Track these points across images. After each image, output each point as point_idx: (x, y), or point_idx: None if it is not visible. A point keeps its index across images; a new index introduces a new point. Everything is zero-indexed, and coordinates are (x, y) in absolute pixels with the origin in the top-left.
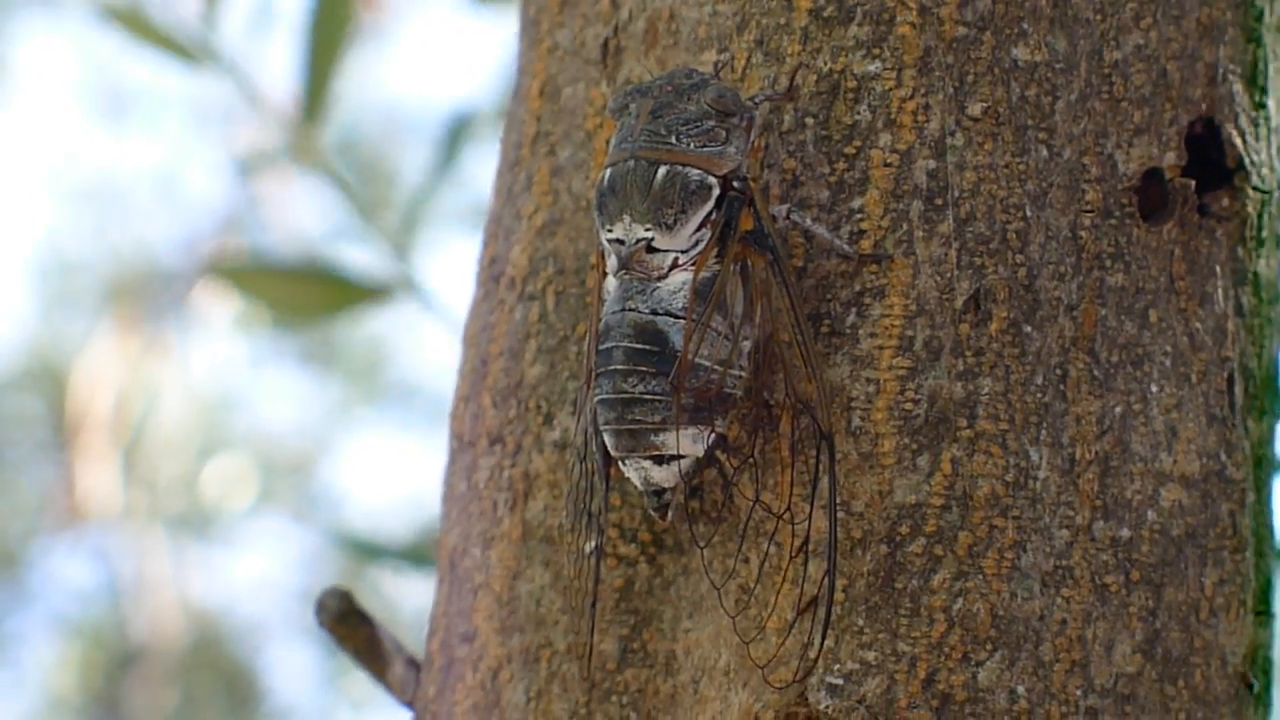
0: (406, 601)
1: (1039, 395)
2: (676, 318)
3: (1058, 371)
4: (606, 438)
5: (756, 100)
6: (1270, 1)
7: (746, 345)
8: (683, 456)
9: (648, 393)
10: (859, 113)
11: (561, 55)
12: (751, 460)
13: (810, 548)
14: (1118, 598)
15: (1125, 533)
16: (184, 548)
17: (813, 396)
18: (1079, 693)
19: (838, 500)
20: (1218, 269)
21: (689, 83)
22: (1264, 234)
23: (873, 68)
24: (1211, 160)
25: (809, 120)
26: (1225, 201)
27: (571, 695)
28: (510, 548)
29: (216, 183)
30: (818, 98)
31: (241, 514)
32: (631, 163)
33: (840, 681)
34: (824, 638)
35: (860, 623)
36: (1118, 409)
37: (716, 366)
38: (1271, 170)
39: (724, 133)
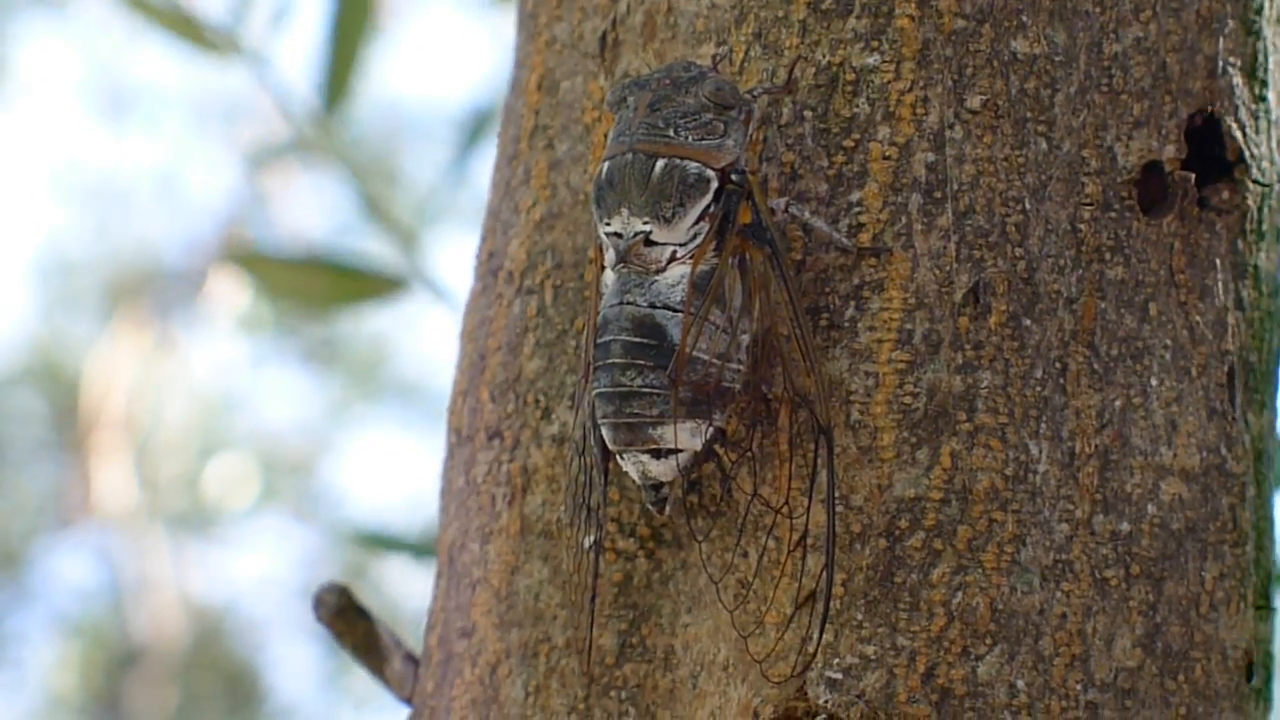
0: (408, 599)
1: (1038, 389)
2: (675, 311)
3: (1057, 365)
4: (605, 431)
5: (755, 93)
6: None
7: (745, 339)
8: (681, 450)
9: (646, 386)
10: (857, 105)
11: (559, 48)
12: (750, 454)
13: (809, 542)
14: (1118, 592)
15: (1125, 526)
16: (185, 546)
17: (811, 390)
18: (1079, 687)
19: (836, 494)
20: (1218, 262)
21: (687, 76)
22: (1264, 227)
23: (871, 60)
24: (1211, 153)
25: (807, 113)
26: (1225, 194)
27: (570, 690)
28: (508, 542)
29: (219, 181)
30: (816, 91)
31: (243, 513)
32: (629, 156)
33: (839, 676)
34: (822, 632)
35: (859, 617)
36: (1117, 402)
37: (715, 360)
38: (1271, 163)
39: (722, 126)
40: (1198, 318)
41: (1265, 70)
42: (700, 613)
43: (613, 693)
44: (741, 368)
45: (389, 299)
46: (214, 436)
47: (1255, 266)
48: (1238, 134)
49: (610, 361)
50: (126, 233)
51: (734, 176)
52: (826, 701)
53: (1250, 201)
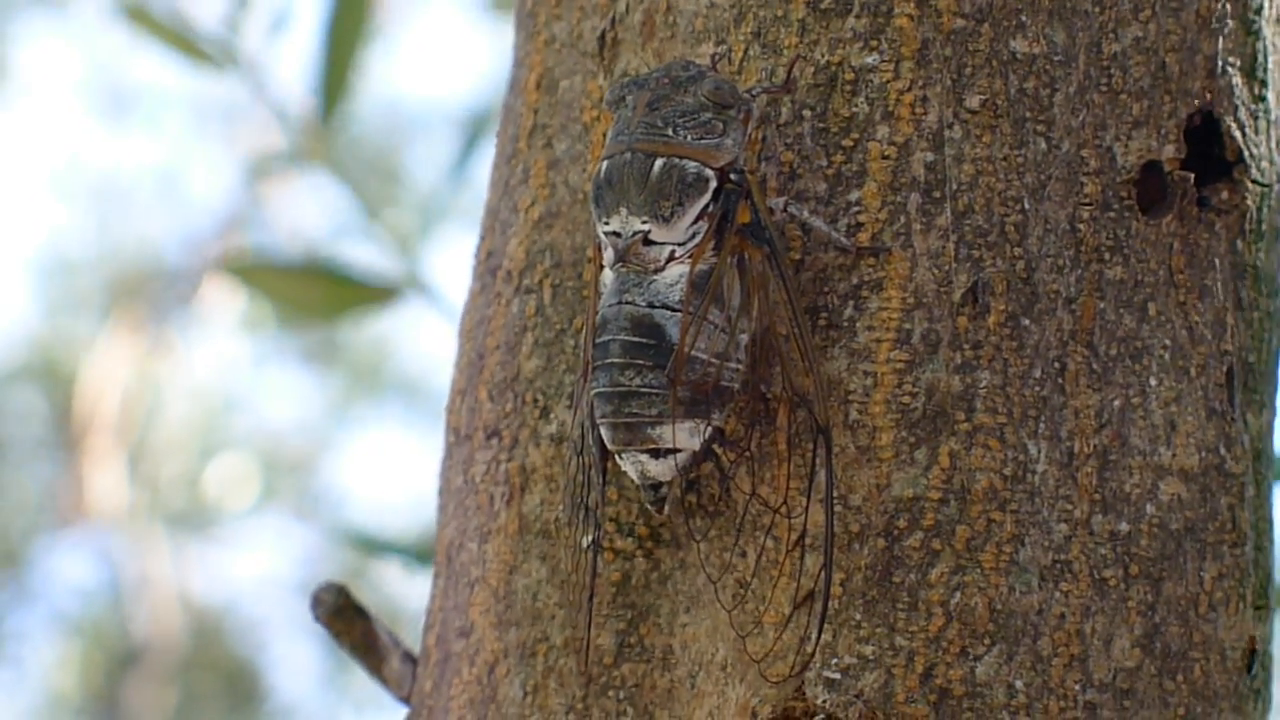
0: (408, 598)
1: (1037, 388)
2: (673, 310)
3: (1056, 365)
4: (603, 431)
5: (754, 92)
6: None
7: (743, 338)
8: (679, 450)
9: (645, 386)
10: (856, 105)
11: (558, 48)
12: (748, 454)
13: (807, 541)
14: (1116, 592)
15: (1124, 526)
16: (185, 546)
17: (810, 390)
18: (1077, 687)
19: (835, 494)
20: (1217, 262)
21: (686, 75)
22: (1263, 227)
23: (870, 60)
24: (1211, 153)
25: (806, 112)
26: (1224, 194)
27: (568, 689)
28: (507, 542)
29: (220, 181)
30: (815, 90)
31: (243, 512)
32: (628, 155)
33: (838, 676)
34: (820, 632)
35: (858, 617)
36: (1116, 402)
37: (713, 359)
38: (1271, 163)
39: (721, 125)
40: (1197, 318)
41: (1265, 70)
42: (698, 612)
43: (611, 692)
44: (740, 367)
45: (384, 306)
46: (214, 436)
47: (1254, 266)
48: (1237, 134)
49: (609, 361)
50: (127, 232)
51: (733, 176)
52: (825, 701)
53: (1249, 201)
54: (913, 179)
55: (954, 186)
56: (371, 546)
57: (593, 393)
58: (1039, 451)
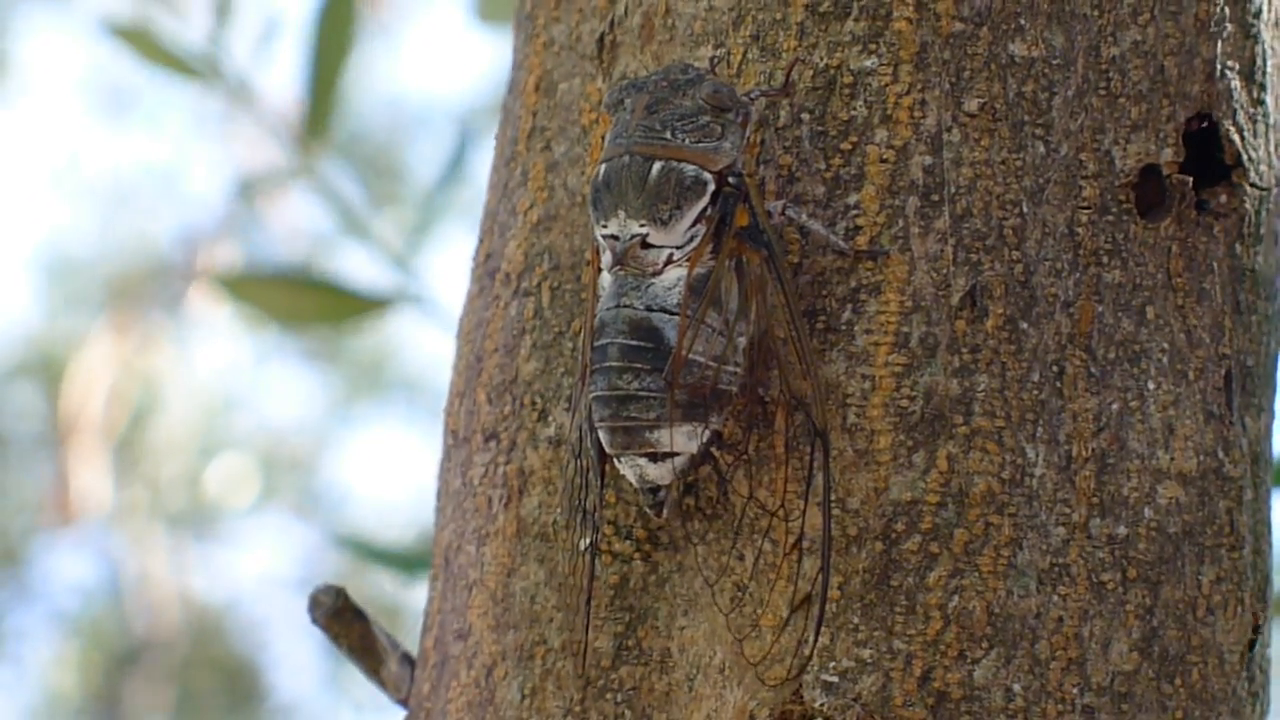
0: (408, 598)
1: (1035, 392)
2: (671, 314)
3: (1054, 368)
4: (601, 434)
5: (752, 96)
6: None
7: (741, 341)
8: (678, 453)
9: (643, 389)
10: (855, 108)
11: (557, 50)
12: (746, 457)
13: (805, 545)
14: (1114, 595)
15: (1122, 530)
16: (185, 545)
17: (808, 393)
18: (1075, 691)
19: (833, 497)
20: (1215, 266)
21: (684, 78)
22: (1262, 231)
23: (869, 63)
24: (1209, 157)
25: (805, 116)
26: (1223, 198)
27: (566, 692)
28: (505, 544)
29: (219, 181)
30: (814, 93)
31: (243, 511)
32: (626, 158)
33: (835, 679)
34: (818, 635)
35: (856, 620)
36: (1114, 406)
37: (711, 363)
38: (1269, 167)
39: (719, 128)
40: (1195, 321)
41: (1263, 74)
42: (696, 615)
43: (609, 695)
44: (738, 370)
45: (376, 317)
46: (214, 435)
47: (1253, 270)
48: (1235, 137)
49: (607, 365)
50: (127, 231)
51: (731, 179)
52: (822, 705)
53: (1248, 205)
54: (911, 182)
55: (952, 190)
56: (367, 554)
57: (591, 396)
58: (1037, 455)
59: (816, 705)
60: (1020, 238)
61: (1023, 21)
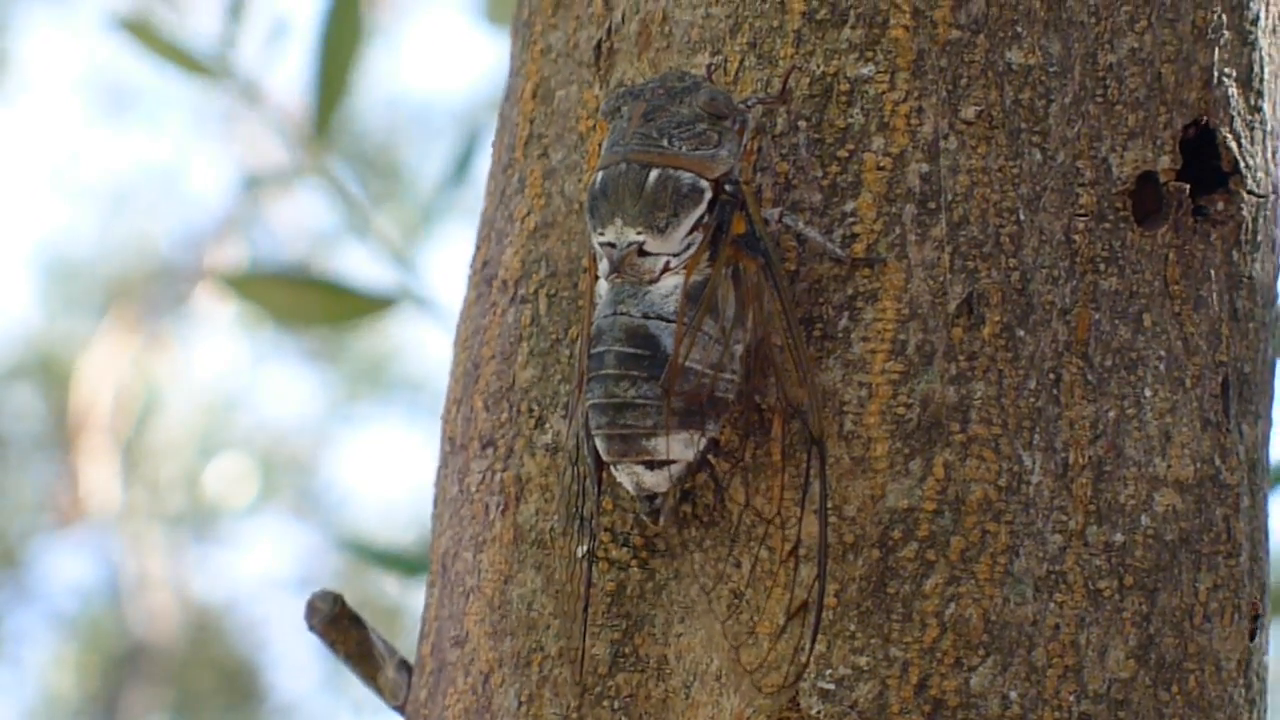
0: (410, 599)
1: (1032, 399)
2: (668, 321)
3: (1051, 376)
4: (598, 442)
5: (749, 103)
6: (1266, 4)
7: (738, 349)
8: (674, 461)
9: (639, 397)
10: (852, 116)
11: (554, 57)
12: (743, 464)
13: (801, 552)
14: (1111, 603)
15: (1119, 537)
16: (185, 546)
17: (805, 400)
18: (1072, 698)
19: (829, 504)
20: (1212, 273)
21: (681, 85)
22: (1259, 238)
23: (866, 70)
24: (1206, 164)
25: (802, 123)
26: (1220, 205)
27: (563, 699)
28: (502, 551)
29: (221, 180)
30: (810, 101)
31: (243, 512)
32: (623, 166)
33: (832, 686)
34: (814, 642)
35: (852, 628)
36: (1111, 413)
37: (708, 370)
38: (1267, 174)
39: (716, 136)
40: (1192, 328)
41: (1261, 80)
42: (693, 622)
43: (605, 702)
44: (735, 378)
45: (379, 317)
46: (215, 435)
47: (1250, 277)
48: (1233, 144)
49: (604, 372)
50: (127, 231)
51: (728, 187)
52: (819, 712)
53: (1245, 212)
54: (908, 190)
55: (949, 197)
56: (367, 555)
57: (588, 404)
58: (1034, 462)
59: (813, 713)
60: (1017, 245)
61: (1020, 29)
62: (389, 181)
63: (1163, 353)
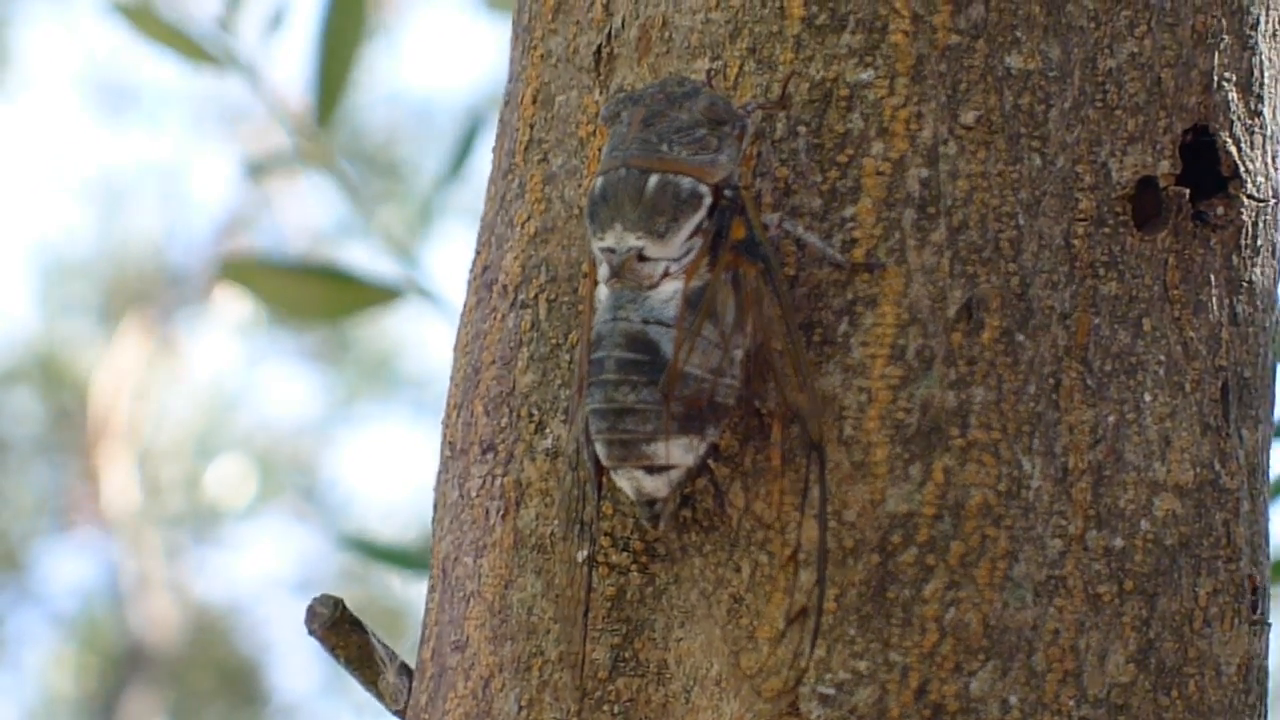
0: (412, 600)
1: (1032, 404)
2: (668, 327)
3: (1050, 380)
4: (598, 447)
5: (749, 108)
6: (1266, 8)
7: (738, 354)
8: (674, 466)
9: (639, 402)
10: (851, 121)
11: (554, 62)
12: (743, 469)
13: (801, 557)
14: (1111, 607)
15: (1118, 542)
16: (186, 547)
17: (804, 405)
18: (1072, 703)
19: (829, 509)
20: (1212, 277)
21: (681, 90)
22: (1259, 242)
23: (865, 76)
24: (1206, 168)
25: (801, 128)
26: (1220, 210)
27: (563, 704)
28: (502, 556)
29: (224, 178)
30: (810, 106)
31: (244, 512)
32: (623, 171)
33: (832, 691)
34: (814, 647)
35: (852, 632)
36: (1111, 418)
37: (707, 375)
38: (1267, 178)
39: (716, 141)
40: (1192, 333)
41: (1261, 85)
42: (693, 627)
43: (605, 707)
44: (735, 383)
45: (384, 308)
46: (216, 435)
47: (1250, 282)
48: (1233, 149)
49: (604, 378)
50: (128, 231)
51: (727, 192)
52: (819, 717)
53: (1245, 217)
54: (907, 195)
55: (948, 202)
56: (368, 552)
57: (588, 409)
58: (1033, 467)
59: (813, 717)
60: (1017, 250)
61: (1019, 34)
62: (390, 179)
63: (1162, 357)
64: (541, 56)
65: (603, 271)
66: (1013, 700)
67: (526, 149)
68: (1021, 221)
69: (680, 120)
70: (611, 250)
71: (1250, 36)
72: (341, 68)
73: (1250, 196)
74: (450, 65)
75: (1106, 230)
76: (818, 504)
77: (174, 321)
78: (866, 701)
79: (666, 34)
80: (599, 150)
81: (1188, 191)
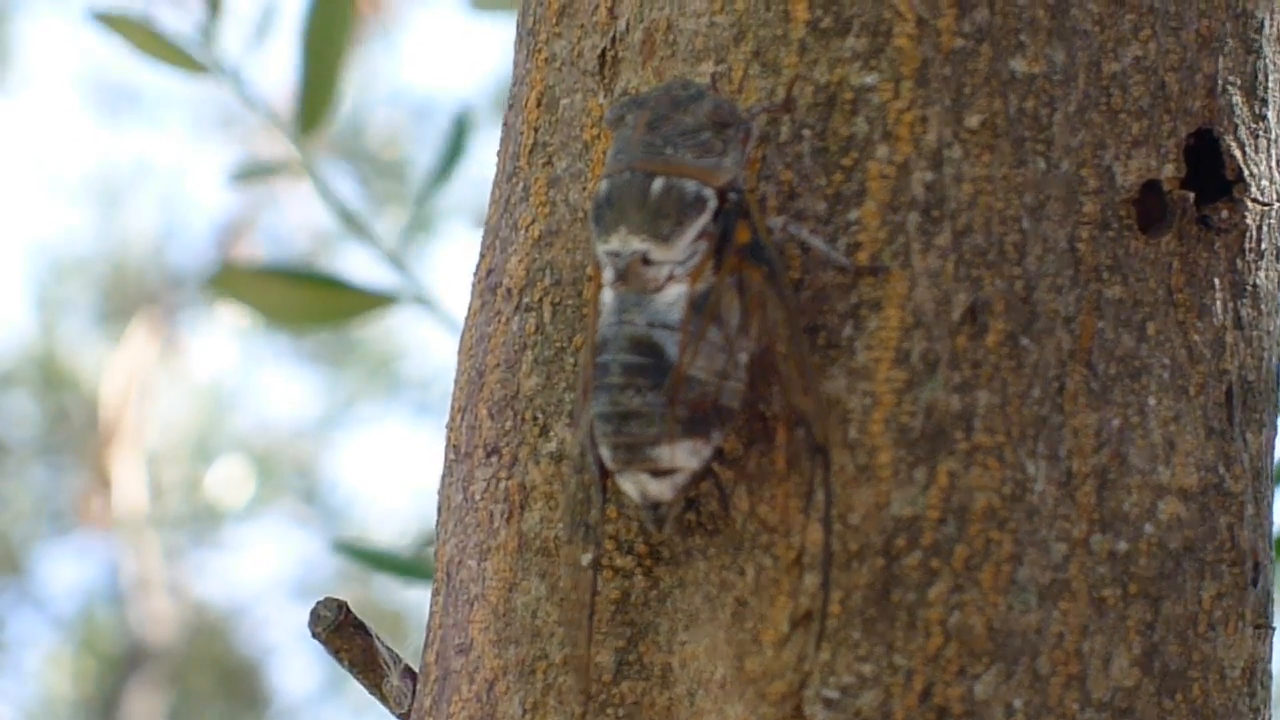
0: (413, 601)
1: (1036, 408)
2: (673, 330)
3: (1055, 384)
4: (603, 451)
5: (753, 112)
6: (1270, 12)
7: (743, 357)
8: (679, 470)
9: (644, 406)
10: (856, 124)
11: (559, 66)
12: (747, 473)
13: (806, 560)
14: (1115, 611)
15: (1123, 546)
16: (187, 549)
17: (809, 409)
18: (1076, 706)
19: (833, 513)
20: (1216, 281)
21: (685, 94)
22: (1263, 245)
23: (870, 79)
24: (1211, 172)
25: (806, 132)
26: (1224, 214)
27: (567, 707)
28: (506, 559)
29: (220, 178)
30: (815, 109)
31: (244, 514)
32: (628, 174)
33: (836, 695)
34: (818, 650)
35: (857, 636)
36: (1115, 422)
37: (712, 379)
38: (1271, 182)
39: (721, 144)
40: (1196, 337)
41: (1265, 89)
42: (697, 630)
43: (610, 710)
44: (740, 386)
45: (375, 314)
46: (217, 437)
47: (1254, 285)
48: (1237, 153)
49: (609, 381)
50: (126, 231)
51: (732, 195)
52: None
53: (1249, 220)
54: (912, 198)
55: (953, 206)
56: (361, 558)
57: (593, 412)
58: (1038, 471)
59: None
60: (1021, 254)
61: (1023, 38)
62: (391, 181)
63: (1167, 361)
64: (546, 60)
65: (607, 275)
66: (1017, 704)
67: (531, 152)
68: (1026, 225)
69: (685, 124)
70: (616, 254)
71: (1255, 40)
72: (326, 75)
73: (1255, 200)
74: (451, 64)
75: (1111, 234)
76: (822, 507)
77: (173, 323)
78: (871, 705)
79: (671, 37)
80: (603, 154)
81: (1192, 195)
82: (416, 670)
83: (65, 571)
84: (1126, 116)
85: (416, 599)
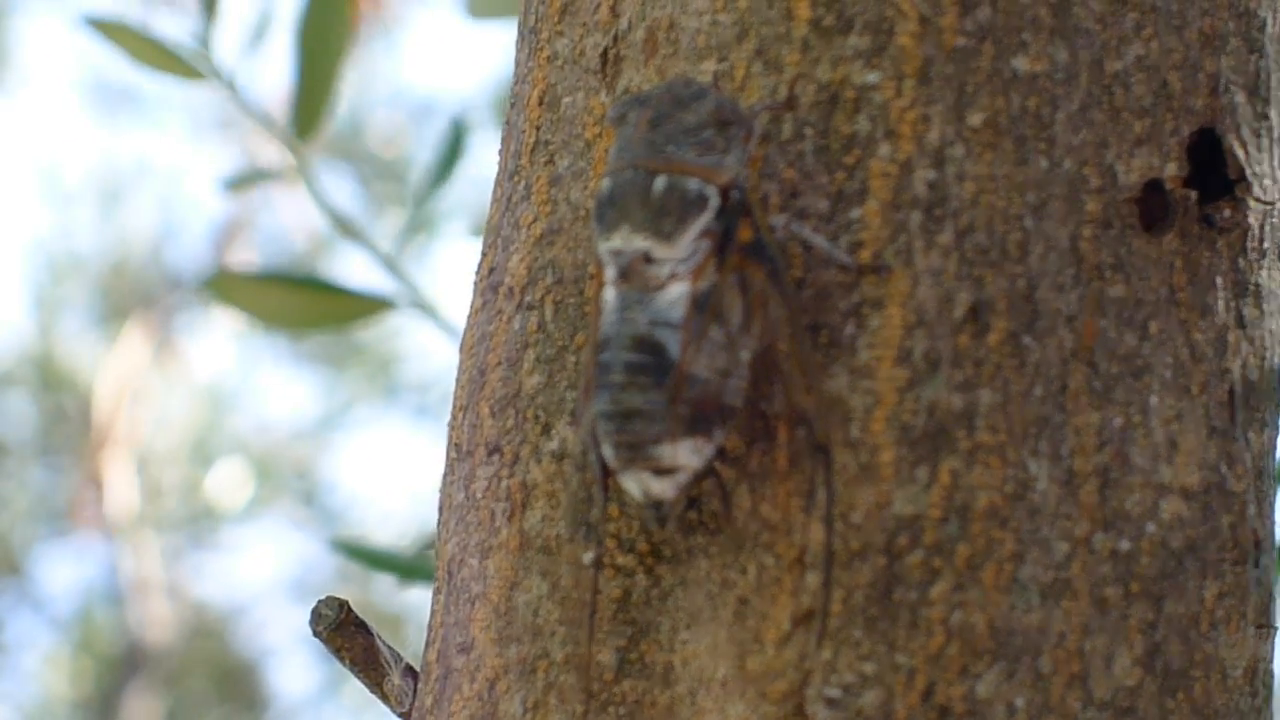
0: (414, 601)
1: (1038, 407)
2: (675, 328)
3: (1057, 383)
4: (605, 449)
5: (755, 110)
6: (1273, 11)
7: (745, 356)
8: (681, 468)
9: (646, 404)
10: (858, 123)
11: (561, 64)
12: (749, 471)
13: (807, 559)
14: (1117, 610)
15: (1125, 545)
16: (186, 550)
17: (810, 408)
18: (1078, 705)
19: (835, 511)
20: (1219, 280)
21: (688, 92)
22: (1265, 245)
23: (872, 78)
24: (1213, 171)
25: (808, 130)
26: (1227, 213)
27: (569, 706)
28: (508, 558)
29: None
30: (817, 108)
31: (243, 516)
32: (630, 173)
33: (838, 694)
34: (819, 649)
35: (858, 635)
36: (1117, 421)
37: (714, 377)
38: (1274, 181)
39: (723, 143)
40: (1198, 336)
41: (1268, 88)
42: (699, 629)
43: (611, 709)
44: (742, 384)
45: (368, 319)
46: (215, 439)
47: (1256, 284)
48: (1240, 151)
49: (610, 380)
50: (125, 231)
51: (734, 193)
52: (825, 719)
53: (1252, 219)
54: (914, 197)
55: (955, 204)
56: (362, 558)
57: (595, 411)
58: (1040, 470)
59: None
60: (1023, 252)
61: (1026, 37)
62: (392, 184)
63: (1169, 360)
64: (548, 58)
65: (609, 273)
66: (1019, 703)
67: (533, 151)
68: (1028, 224)
69: (687, 122)
70: (618, 252)
71: (1257, 39)
72: (321, 81)
73: (1257, 199)
74: (450, 65)
75: (1113, 233)
76: (824, 506)
77: (171, 324)
78: (873, 704)
79: (673, 36)
80: (605, 152)
81: (1194, 194)
82: (417, 669)
83: (64, 572)
84: (1129, 115)
85: (415, 601)
